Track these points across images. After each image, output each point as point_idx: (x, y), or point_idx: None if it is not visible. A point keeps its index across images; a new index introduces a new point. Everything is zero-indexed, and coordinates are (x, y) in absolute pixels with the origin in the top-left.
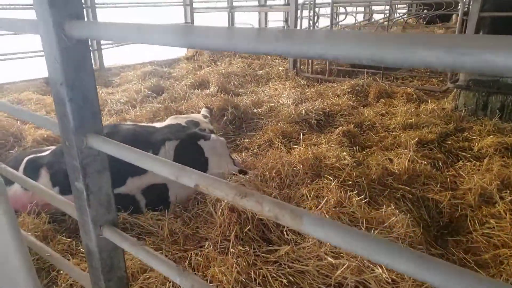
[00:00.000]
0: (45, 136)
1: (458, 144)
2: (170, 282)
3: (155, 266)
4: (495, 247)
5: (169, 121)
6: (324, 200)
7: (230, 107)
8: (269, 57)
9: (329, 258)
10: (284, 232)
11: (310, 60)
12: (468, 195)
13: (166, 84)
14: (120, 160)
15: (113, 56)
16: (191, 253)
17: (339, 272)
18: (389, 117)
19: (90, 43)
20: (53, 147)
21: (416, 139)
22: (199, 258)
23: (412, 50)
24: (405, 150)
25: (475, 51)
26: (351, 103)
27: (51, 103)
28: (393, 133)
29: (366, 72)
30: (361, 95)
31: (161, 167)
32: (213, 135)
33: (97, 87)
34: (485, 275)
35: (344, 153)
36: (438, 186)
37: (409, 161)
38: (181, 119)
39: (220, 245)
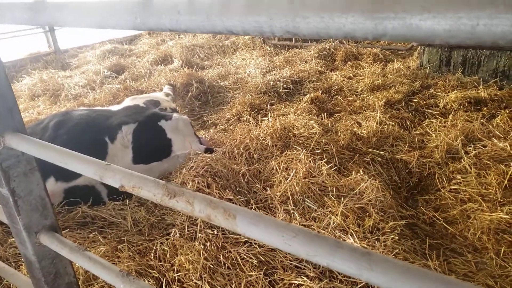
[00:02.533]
0: None
1: (424, 102)
2: None
3: (97, 272)
4: (463, 202)
5: (127, 102)
6: (293, 172)
7: (194, 82)
8: None
9: None
10: (256, 209)
11: None
12: (435, 152)
13: (127, 62)
14: (73, 150)
15: (69, 36)
16: (156, 243)
17: None
18: (357, 80)
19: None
20: None
21: (384, 100)
22: (165, 247)
23: (329, 17)
24: (373, 113)
25: (399, 15)
26: (319, 68)
27: None
28: (361, 95)
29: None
30: (329, 59)
31: (85, 167)
32: (175, 114)
33: (52, 71)
34: (455, 231)
35: (312, 121)
36: (407, 146)
37: (377, 123)
38: (140, 100)
39: (187, 231)
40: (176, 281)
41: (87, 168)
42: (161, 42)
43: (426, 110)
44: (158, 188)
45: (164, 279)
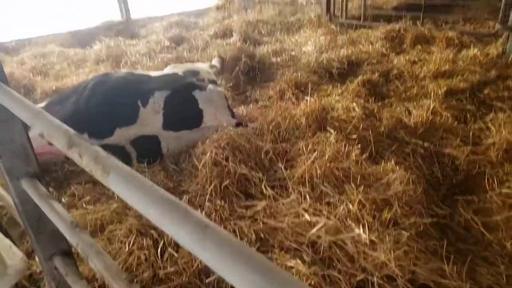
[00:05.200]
0: (54, 88)
1: (496, 94)
2: (133, 234)
3: (55, 222)
4: (511, 209)
5: (168, 70)
6: (314, 154)
7: (244, 56)
8: (303, 2)
9: (306, 216)
10: (268, 188)
11: (345, 5)
12: (491, 150)
13: (189, 34)
14: (107, 110)
15: (141, 7)
16: None
17: (313, 230)
18: (421, 65)
19: None
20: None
21: (445, 88)
22: None
23: None
24: (429, 101)
25: None
26: (384, 50)
27: (73, 55)
28: (422, 82)
29: (404, 15)
30: (396, 41)
31: (22, 111)
32: (210, 86)
33: (121, 39)
34: (492, 238)
35: (354, 104)
36: (458, 140)
37: (429, 112)
38: (180, 68)
39: (198, 199)
40: (173, 244)
41: (22, 112)
42: (227, 17)
43: (496, 103)
44: (65, 138)
45: (162, 241)
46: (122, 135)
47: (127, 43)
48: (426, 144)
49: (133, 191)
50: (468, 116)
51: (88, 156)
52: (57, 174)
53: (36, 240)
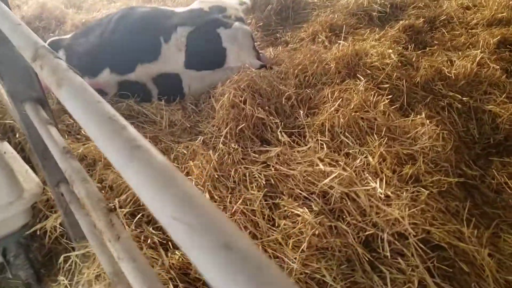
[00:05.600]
0: (83, 21)
1: None
2: None
3: (49, 146)
4: None
5: (195, 5)
6: (338, 101)
7: None
8: None
9: (320, 165)
10: (284, 134)
11: None
12: None
13: None
14: (129, 45)
15: None
16: (179, 146)
17: (326, 180)
18: (475, 11)
19: None
20: None
21: (498, 37)
22: (184, 151)
23: None
24: (477, 51)
25: None
26: None
27: None
28: (473, 30)
29: None
30: None
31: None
32: (236, 23)
33: None
34: None
35: (390, 50)
36: (504, 96)
37: (474, 63)
38: (206, 4)
39: (213, 141)
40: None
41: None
42: None
43: None
44: (32, 50)
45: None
46: (143, 72)
47: None
48: (465, 99)
49: (79, 106)
50: None
51: (47, 68)
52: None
53: (43, 166)
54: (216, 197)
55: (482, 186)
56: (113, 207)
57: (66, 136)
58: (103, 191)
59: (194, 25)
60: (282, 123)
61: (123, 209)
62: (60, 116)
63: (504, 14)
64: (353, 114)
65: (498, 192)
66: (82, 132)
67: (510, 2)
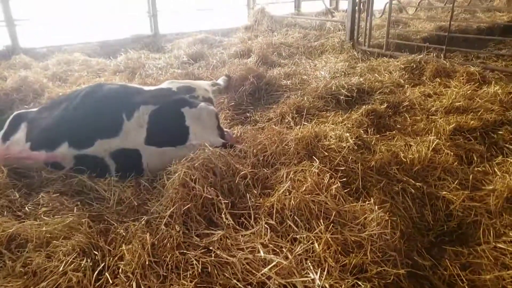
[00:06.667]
0: (60, 94)
1: (511, 136)
2: (75, 253)
3: None
4: (503, 268)
5: (164, 85)
6: (287, 184)
7: (251, 77)
8: (331, 28)
9: (261, 252)
10: (229, 217)
11: (368, 32)
12: (491, 197)
13: (210, 52)
14: (91, 120)
15: (171, 23)
16: (122, 226)
17: (265, 270)
18: (435, 99)
19: (148, 9)
20: None
21: (453, 125)
22: (123, 233)
23: None
24: (433, 137)
25: None
26: (401, 80)
27: (95, 64)
28: (433, 117)
29: (427, 47)
30: (416, 73)
31: None
32: (201, 104)
33: (145, 52)
34: None
35: (347, 134)
36: (456, 183)
37: (429, 149)
38: (175, 84)
39: (157, 222)
40: (113, 268)
41: None
42: (252, 37)
43: (509, 146)
44: None
45: (102, 264)
46: (102, 147)
47: (149, 57)
48: (419, 184)
49: None
50: (474, 157)
51: None
52: (33, 181)
53: None
54: (143, 287)
55: (433, 278)
56: None
57: (5, 212)
58: (25, 277)
59: (158, 104)
60: (233, 204)
61: None
62: (5, 191)
63: (461, 103)
64: (303, 197)
65: (450, 285)
66: (26, 208)
67: (468, 92)
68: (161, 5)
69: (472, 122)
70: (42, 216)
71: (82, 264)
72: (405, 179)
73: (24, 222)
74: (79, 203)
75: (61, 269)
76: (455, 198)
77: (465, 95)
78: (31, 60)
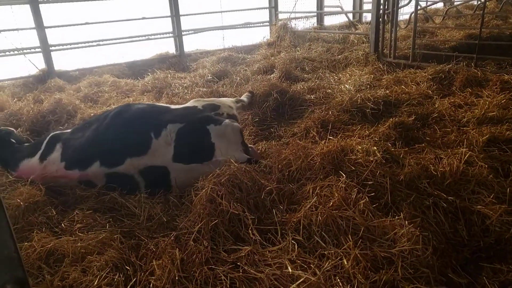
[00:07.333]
0: (92, 115)
1: None
2: (108, 268)
3: None
4: None
5: (190, 103)
6: (314, 199)
7: (274, 92)
8: (354, 40)
9: (289, 268)
10: (256, 233)
11: (393, 43)
12: None
13: (233, 69)
14: (121, 140)
15: (195, 42)
16: (152, 241)
17: (293, 286)
18: (466, 109)
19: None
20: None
21: (487, 136)
22: (153, 248)
23: None
24: (466, 149)
25: None
26: (430, 91)
27: (124, 85)
28: (464, 128)
29: (456, 56)
30: (445, 83)
31: None
32: (226, 121)
33: (171, 72)
34: None
35: (375, 147)
36: (492, 197)
37: (461, 162)
38: (201, 102)
39: (186, 237)
40: (143, 282)
41: None
42: (275, 53)
43: None
44: None
45: (134, 279)
46: (132, 165)
47: (175, 76)
48: (451, 198)
49: None
50: (511, 169)
51: None
52: (68, 198)
53: None
54: None
55: None
56: None
57: (44, 228)
58: None
59: (184, 122)
60: (259, 219)
61: None
62: (44, 208)
63: (495, 113)
64: (331, 212)
65: None
66: (62, 224)
67: (502, 102)
68: (185, 25)
69: (508, 132)
70: (77, 232)
71: (115, 279)
72: (436, 193)
73: (61, 238)
74: (111, 219)
75: (95, 283)
76: (491, 212)
77: (499, 105)
78: (64, 83)
